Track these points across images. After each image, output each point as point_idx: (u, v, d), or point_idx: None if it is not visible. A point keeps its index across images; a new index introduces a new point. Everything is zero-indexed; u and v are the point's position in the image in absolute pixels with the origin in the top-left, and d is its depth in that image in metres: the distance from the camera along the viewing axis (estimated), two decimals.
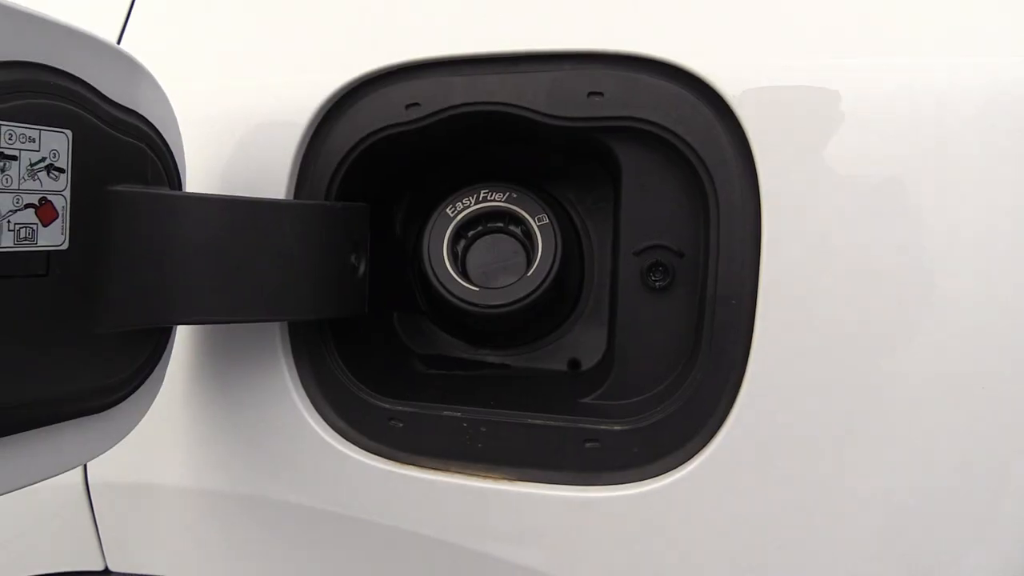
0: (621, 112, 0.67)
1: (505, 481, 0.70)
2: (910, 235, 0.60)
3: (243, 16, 0.80)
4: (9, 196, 0.51)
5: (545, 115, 0.69)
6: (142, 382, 0.64)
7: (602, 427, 0.69)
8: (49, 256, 0.54)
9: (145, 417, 0.67)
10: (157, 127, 0.63)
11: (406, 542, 0.73)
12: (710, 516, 0.65)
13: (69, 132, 0.55)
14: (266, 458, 0.77)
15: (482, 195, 0.78)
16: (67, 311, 0.56)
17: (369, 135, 0.73)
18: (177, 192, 0.65)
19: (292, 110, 0.73)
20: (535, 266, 0.76)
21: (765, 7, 0.64)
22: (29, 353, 0.54)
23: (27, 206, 0.52)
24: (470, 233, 0.79)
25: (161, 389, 0.68)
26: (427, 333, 0.89)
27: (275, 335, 0.75)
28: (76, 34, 0.57)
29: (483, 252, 0.80)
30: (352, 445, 0.74)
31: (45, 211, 0.53)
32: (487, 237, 0.80)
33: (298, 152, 0.73)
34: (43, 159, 0.53)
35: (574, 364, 0.85)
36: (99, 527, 0.85)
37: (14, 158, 0.51)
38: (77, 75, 0.56)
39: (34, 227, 0.53)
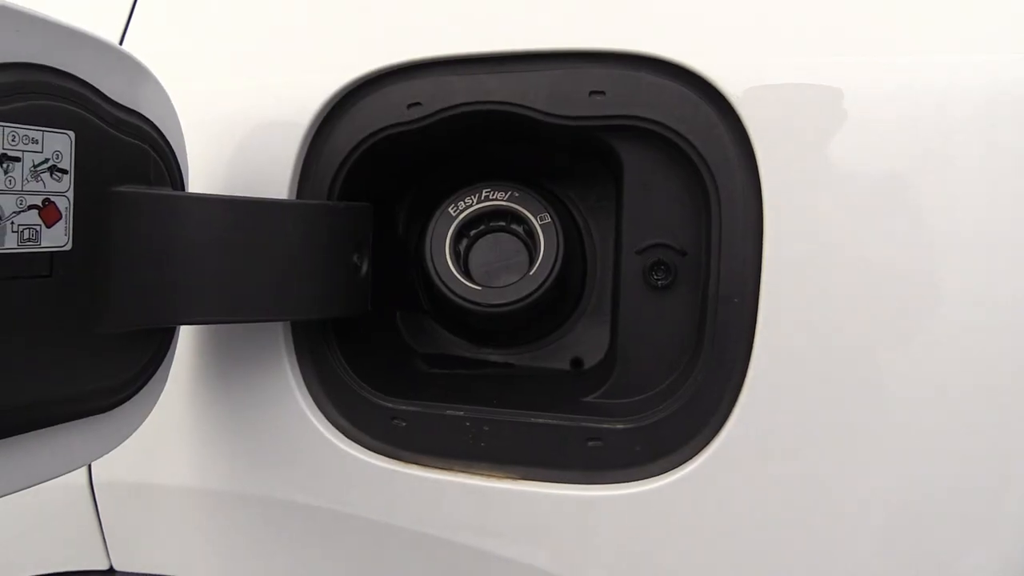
0: (623, 111, 0.67)
1: (508, 480, 0.70)
2: (912, 234, 0.60)
3: (244, 16, 0.80)
4: (12, 197, 0.51)
5: (547, 114, 0.69)
6: (146, 382, 0.64)
7: (605, 426, 0.69)
8: (53, 257, 0.54)
9: (149, 417, 0.67)
10: (159, 128, 0.64)
11: (409, 541, 0.73)
12: (712, 514, 0.65)
13: (72, 133, 0.55)
14: (269, 457, 0.77)
15: (484, 194, 0.78)
16: (71, 312, 0.56)
17: (371, 135, 0.73)
18: (180, 192, 0.65)
19: (294, 110, 0.73)
20: (537, 265, 0.76)
21: (766, 6, 0.64)
22: (33, 354, 0.54)
23: (31, 207, 0.52)
24: (472, 232, 0.79)
25: (165, 389, 0.68)
26: (430, 332, 0.89)
27: (278, 334, 0.75)
28: (78, 35, 0.57)
29: (485, 251, 0.80)
30: (355, 444, 0.74)
31: (48, 212, 0.53)
32: (489, 236, 0.80)
33: (300, 152, 0.73)
34: (46, 160, 0.53)
35: (576, 363, 0.85)
36: (104, 527, 0.85)
37: (17, 159, 0.51)
38: (80, 76, 0.56)
39: (38, 228, 0.53)
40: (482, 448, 0.71)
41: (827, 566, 0.64)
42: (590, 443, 0.69)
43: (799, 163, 0.62)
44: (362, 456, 0.74)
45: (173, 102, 0.66)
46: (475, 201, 0.78)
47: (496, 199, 0.78)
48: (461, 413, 0.72)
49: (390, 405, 0.74)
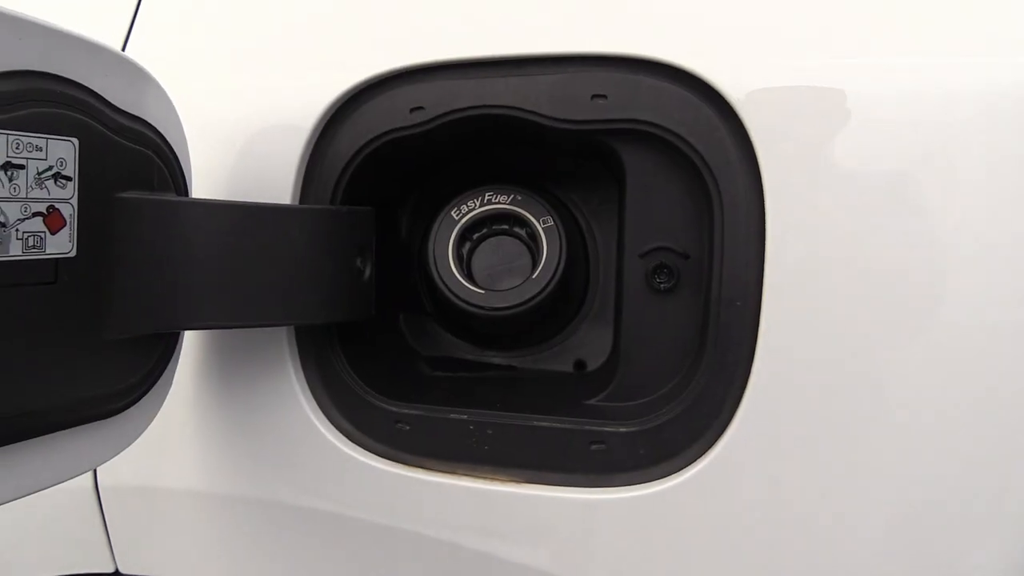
0: (625, 115, 0.67)
1: (512, 483, 0.70)
2: (914, 236, 0.60)
3: (247, 21, 0.81)
4: (17, 205, 0.51)
5: (549, 118, 0.69)
6: (151, 387, 0.65)
7: (608, 429, 0.69)
8: (57, 264, 0.54)
9: (154, 421, 0.67)
10: (163, 133, 0.64)
11: (413, 544, 0.73)
12: (716, 517, 0.65)
13: (76, 140, 0.55)
14: (273, 461, 0.77)
15: (487, 197, 0.79)
16: (75, 318, 0.57)
17: (374, 139, 0.73)
18: (183, 198, 0.66)
19: (297, 114, 0.74)
20: (540, 268, 0.76)
21: (767, 9, 0.64)
22: (39, 360, 0.54)
23: (35, 214, 0.52)
24: (475, 235, 0.80)
25: (169, 393, 0.68)
26: (433, 335, 0.89)
27: (282, 338, 0.75)
28: (81, 42, 0.57)
29: (488, 254, 0.80)
30: (359, 447, 0.74)
31: (53, 219, 0.54)
32: (492, 239, 0.80)
33: (303, 156, 0.74)
34: (50, 168, 0.53)
35: (580, 365, 0.85)
36: (109, 530, 0.86)
37: (21, 167, 0.51)
38: (83, 83, 0.57)
39: (42, 235, 0.53)
40: (486, 451, 0.71)
41: (830, 568, 0.64)
42: (593, 446, 0.69)
43: (801, 166, 0.62)
44: (366, 459, 0.74)
45: (176, 107, 0.66)
46: (478, 204, 0.79)
47: (499, 202, 0.78)
48: (465, 416, 0.72)
49: (394, 408, 0.74)
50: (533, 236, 0.77)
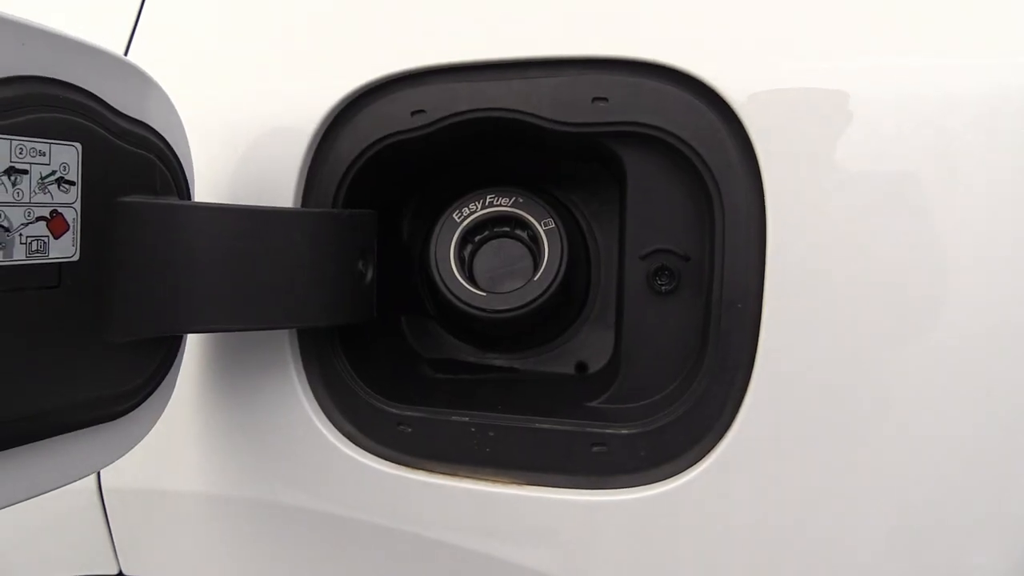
0: (626, 117, 0.67)
1: (513, 485, 0.70)
2: (915, 238, 0.60)
3: (249, 25, 0.81)
4: (21, 209, 0.51)
5: (550, 121, 0.69)
6: (154, 390, 0.65)
7: (609, 431, 0.69)
8: (60, 268, 0.55)
9: (157, 423, 0.68)
10: (165, 137, 0.64)
11: (415, 545, 0.74)
12: (717, 519, 0.66)
13: (79, 145, 0.55)
14: (276, 463, 0.77)
15: (488, 200, 0.79)
16: (79, 321, 0.57)
17: (375, 142, 0.73)
18: (186, 202, 0.66)
19: (299, 118, 0.74)
20: (542, 270, 0.76)
21: (768, 11, 0.64)
22: (42, 364, 0.55)
23: (38, 219, 0.53)
24: (477, 238, 0.80)
25: (172, 396, 0.68)
26: (435, 337, 0.89)
27: (284, 341, 0.75)
28: (84, 47, 0.58)
29: (490, 257, 0.80)
30: (361, 450, 0.75)
31: (56, 223, 0.54)
32: (494, 242, 0.80)
33: (305, 160, 0.74)
34: (53, 172, 0.53)
35: (581, 367, 0.85)
36: (113, 532, 0.86)
37: (25, 172, 0.51)
38: (86, 88, 0.57)
39: (45, 239, 0.53)
40: (487, 453, 0.71)
41: (831, 569, 0.64)
42: (595, 448, 0.69)
43: (802, 168, 0.62)
44: (368, 462, 0.74)
45: (178, 111, 0.67)
46: (479, 207, 0.79)
47: (500, 205, 0.78)
48: (467, 419, 0.72)
49: (396, 411, 0.74)
50: (534, 238, 0.78)
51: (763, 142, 0.63)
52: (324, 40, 0.77)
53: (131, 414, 0.63)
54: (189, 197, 0.67)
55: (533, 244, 0.78)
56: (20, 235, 0.51)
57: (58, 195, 0.54)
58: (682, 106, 0.66)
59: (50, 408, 0.56)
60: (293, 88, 0.76)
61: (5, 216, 0.50)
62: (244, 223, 0.66)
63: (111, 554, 0.87)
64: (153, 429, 0.67)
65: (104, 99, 0.58)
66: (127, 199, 0.59)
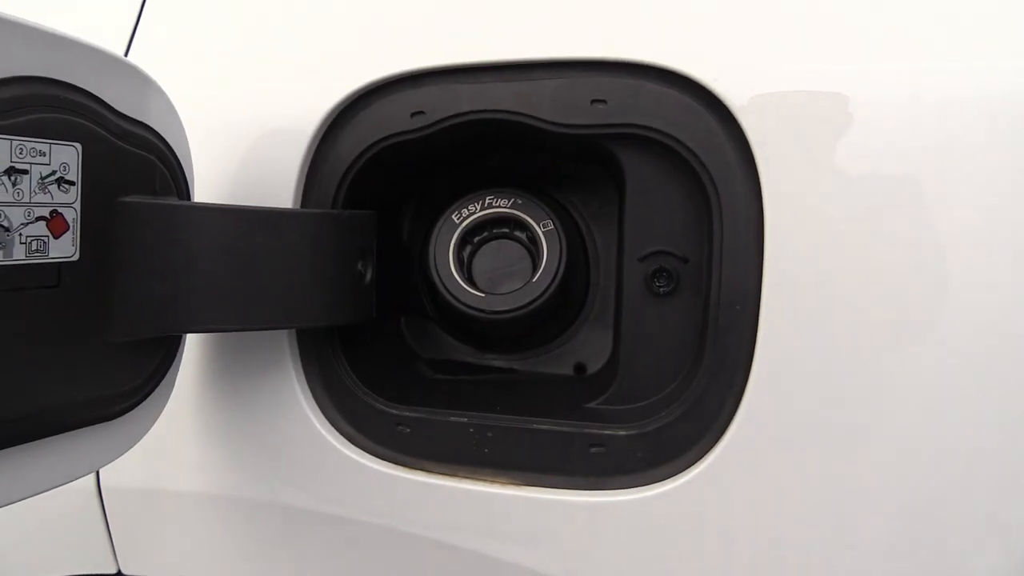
0: (625, 119, 0.67)
1: (512, 486, 0.71)
2: (913, 240, 0.60)
3: (249, 26, 0.81)
4: (21, 209, 0.52)
5: (549, 122, 0.69)
6: (153, 389, 0.65)
7: (608, 432, 0.69)
8: (60, 268, 0.55)
9: (156, 423, 0.68)
10: (165, 138, 0.64)
11: (413, 546, 0.74)
12: (716, 519, 0.66)
13: (79, 145, 0.55)
14: (275, 463, 0.77)
15: (487, 201, 0.79)
16: (78, 321, 0.57)
17: (375, 143, 0.73)
18: (186, 202, 0.66)
19: (298, 119, 0.74)
20: (540, 271, 0.76)
21: (767, 14, 0.64)
22: (42, 363, 0.55)
23: (38, 219, 0.53)
24: (476, 239, 0.80)
25: (171, 396, 0.68)
26: (434, 338, 0.89)
27: (283, 341, 0.75)
28: (84, 48, 0.58)
29: (489, 258, 0.80)
30: (360, 450, 0.75)
31: (56, 223, 0.54)
32: (493, 243, 0.80)
33: (305, 161, 0.74)
34: (54, 172, 0.54)
35: (580, 368, 0.85)
36: (111, 531, 0.86)
37: (25, 172, 0.52)
38: (86, 88, 0.57)
39: (45, 239, 0.53)
40: (486, 454, 0.72)
41: (830, 569, 0.64)
42: (593, 449, 0.69)
43: (800, 170, 0.62)
44: (367, 462, 0.74)
45: (178, 112, 0.67)
46: (478, 208, 0.79)
47: (499, 206, 0.79)
48: (465, 419, 0.72)
49: (395, 411, 0.74)
50: (533, 240, 0.78)
51: (761, 145, 0.63)
52: (324, 41, 0.77)
53: (130, 414, 0.63)
54: (189, 197, 0.67)
55: (532, 245, 0.79)
56: (20, 235, 0.52)
57: (58, 195, 0.54)
58: (681, 109, 0.66)
59: (49, 407, 0.56)
60: (293, 89, 0.76)
61: (5, 216, 0.51)
62: (244, 223, 0.66)
63: (110, 553, 0.87)
64: (152, 429, 0.67)
65: (104, 99, 0.59)
66: (127, 199, 0.60)
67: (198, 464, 0.80)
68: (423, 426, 0.73)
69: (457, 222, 0.79)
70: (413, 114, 0.72)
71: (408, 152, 0.75)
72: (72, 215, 0.55)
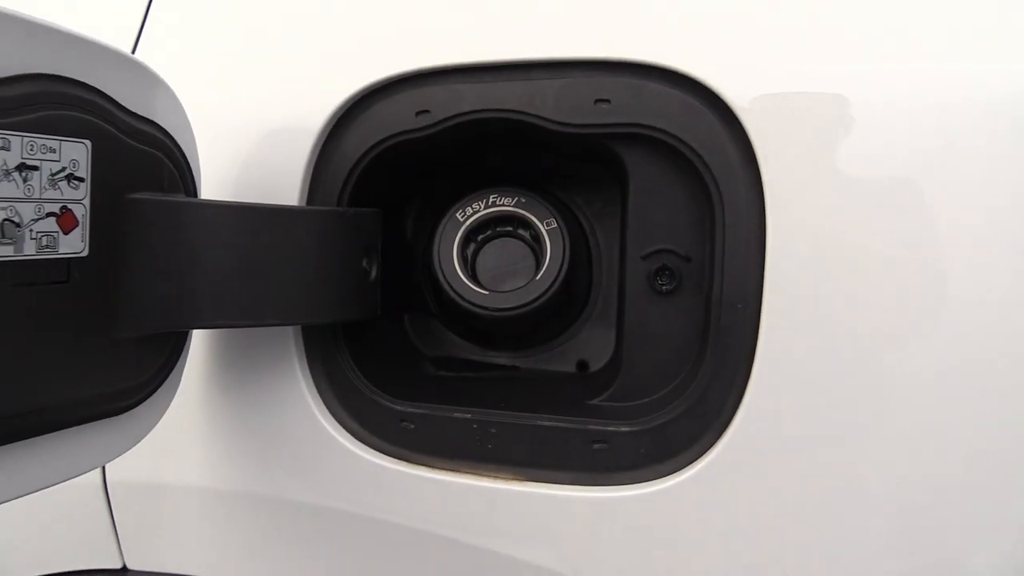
0: (628, 119, 0.68)
1: (515, 481, 0.71)
2: (914, 240, 0.60)
3: (255, 25, 0.81)
4: (31, 205, 0.52)
5: (553, 122, 0.69)
6: (160, 385, 0.65)
7: (610, 428, 0.69)
8: (70, 263, 0.55)
9: (162, 418, 0.68)
10: (173, 135, 0.64)
11: (417, 540, 0.74)
12: (717, 515, 0.66)
13: (88, 142, 0.56)
14: (280, 458, 0.78)
15: (491, 200, 0.79)
16: (87, 317, 0.57)
17: (380, 142, 0.74)
18: (193, 199, 0.66)
19: (304, 118, 0.74)
20: (544, 270, 0.77)
21: (769, 15, 0.65)
22: (51, 358, 0.55)
23: (48, 215, 0.53)
24: (479, 237, 0.80)
25: (178, 391, 0.69)
26: (437, 335, 0.90)
27: (289, 338, 0.76)
28: (94, 46, 0.58)
29: (492, 256, 0.81)
30: (364, 446, 0.75)
31: (66, 219, 0.54)
32: (496, 241, 0.81)
33: (311, 158, 0.74)
34: (63, 169, 0.54)
35: (582, 366, 0.86)
36: (117, 525, 0.86)
37: (36, 168, 0.52)
38: (95, 86, 0.57)
39: (55, 235, 0.54)
40: (489, 450, 0.72)
41: (832, 566, 0.64)
42: (596, 445, 0.70)
43: (801, 170, 0.63)
44: (371, 457, 0.74)
45: (185, 110, 0.67)
46: (482, 207, 0.79)
47: (503, 205, 0.79)
48: (469, 416, 0.73)
49: (399, 407, 0.75)
50: (537, 238, 0.78)
51: (763, 144, 0.63)
52: (330, 40, 0.77)
53: (138, 408, 0.64)
54: (196, 194, 0.67)
55: (535, 244, 0.79)
56: (31, 230, 0.52)
57: (68, 191, 0.54)
58: (684, 108, 0.66)
59: (58, 402, 0.56)
60: (299, 88, 0.76)
61: (16, 212, 0.51)
62: (250, 220, 0.66)
63: (115, 548, 0.87)
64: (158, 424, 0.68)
65: (113, 97, 0.59)
66: (135, 196, 0.60)
67: (203, 459, 0.80)
68: (427, 422, 0.74)
69: (461, 220, 0.79)
70: (418, 113, 0.72)
71: (412, 151, 0.75)
72: (81, 211, 0.55)
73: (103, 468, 0.85)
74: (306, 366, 0.77)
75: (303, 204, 0.75)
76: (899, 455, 0.62)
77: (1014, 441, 0.60)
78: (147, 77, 0.63)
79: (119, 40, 0.84)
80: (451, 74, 0.72)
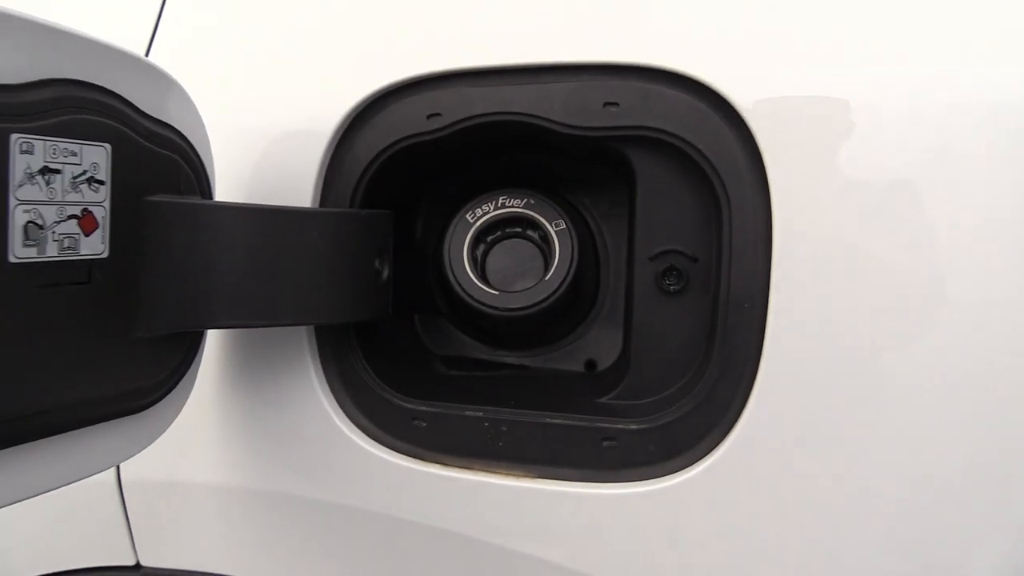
0: (636, 122, 0.68)
1: (525, 479, 0.72)
2: (918, 240, 0.61)
3: (269, 30, 0.82)
4: (54, 208, 0.52)
5: (562, 124, 0.70)
6: (176, 384, 0.66)
7: (619, 426, 0.70)
8: (91, 265, 0.55)
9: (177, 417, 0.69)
10: (189, 138, 0.65)
11: (429, 537, 0.75)
12: (724, 512, 0.67)
13: (108, 146, 0.56)
14: (294, 456, 0.78)
15: (501, 201, 0.80)
16: (107, 317, 0.58)
17: (392, 144, 0.74)
18: (209, 202, 0.67)
19: (317, 120, 0.75)
20: (552, 270, 0.77)
21: (775, 19, 0.65)
22: (71, 357, 0.56)
23: (70, 217, 0.53)
24: (489, 238, 0.81)
25: (193, 390, 0.70)
26: (447, 335, 0.90)
27: (302, 337, 0.76)
28: (112, 51, 0.59)
29: (502, 257, 0.81)
30: (377, 444, 0.76)
31: (86, 221, 0.55)
32: (506, 242, 0.81)
33: (323, 161, 0.75)
34: (84, 172, 0.54)
35: (591, 365, 0.86)
36: (131, 523, 0.87)
37: (58, 172, 0.52)
38: (113, 90, 0.58)
39: (76, 237, 0.54)
40: (500, 448, 0.73)
41: (837, 564, 0.65)
42: (605, 443, 0.70)
43: (807, 172, 0.63)
44: (384, 455, 0.75)
45: (200, 113, 0.68)
46: (492, 208, 0.80)
47: (512, 206, 0.80)
48: (480, 414, 0.73)
49: (411, 406, 0.75)
50: (545, 239, 0.79)
51: (769, 146, 0.64)
52: (342, 44, 0.78)
53: (154, 407, 0.64)
54: (211, 197, 0.68)
55: (544, 244, 0.80)
56: (53, 232, 0.52)
57: (88, 194, 0.55)
58: (691, 111, 0.67)
59: (77, 401, 0.57)
60: (312, 91, 0.77)
61: (39, 214, 0.51)
62: (265, 222, 0.67)
63: (129, 545, 0.88)
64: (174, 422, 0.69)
65: (131, 101, 0.59)
66: (153, 198, 0.61)
67: (217, 457, 0.81)
68: (439, 420, 0.74)
69: (471, 221, 0.80)
70: (429, 116, 0.73)
71: (423, 153, 0.76)
72: (102, 213, 0.56)
73: (117, 466, 0.85)
74: (319, 365, 0.77)
75: (316, 206, 0.76)
76: (902, 454, 0.63)
77: (1015, 441, 0.61)
78: (162, 80, 0.64)
79: (132, 43, 0.85)
80: (462, 77, 0.73)
